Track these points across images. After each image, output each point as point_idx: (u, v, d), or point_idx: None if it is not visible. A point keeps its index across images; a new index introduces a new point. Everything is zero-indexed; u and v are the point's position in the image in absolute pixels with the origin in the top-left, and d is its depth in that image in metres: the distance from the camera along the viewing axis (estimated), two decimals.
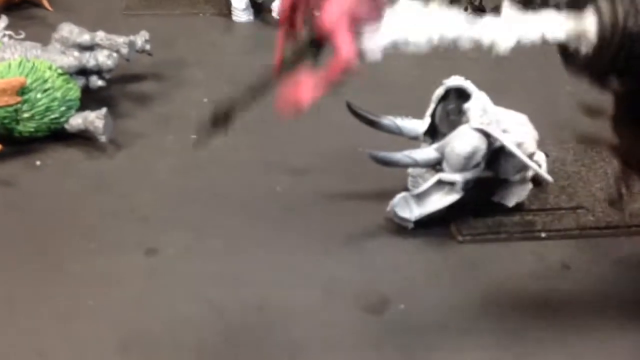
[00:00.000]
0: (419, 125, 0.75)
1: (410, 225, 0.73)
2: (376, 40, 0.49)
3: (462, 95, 0.75)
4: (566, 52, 0.53)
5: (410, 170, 0.78)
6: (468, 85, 0.73)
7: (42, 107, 0.82)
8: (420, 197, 0.72)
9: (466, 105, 0.70)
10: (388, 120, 0.74)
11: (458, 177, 0.69)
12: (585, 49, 0.51)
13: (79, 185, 0.80)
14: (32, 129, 0.83)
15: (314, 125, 0.94)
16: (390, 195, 0.80)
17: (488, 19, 0.51)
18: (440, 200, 0.71)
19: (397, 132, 0.75)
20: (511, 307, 0.66)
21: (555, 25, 0.51)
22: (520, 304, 0.66)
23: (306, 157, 0.88)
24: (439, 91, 0.74)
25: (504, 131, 0.70)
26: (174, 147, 0.88)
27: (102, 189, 0.80)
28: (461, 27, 0.50)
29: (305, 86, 0.48)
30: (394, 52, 0.50)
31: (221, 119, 0.54)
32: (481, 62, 1.08)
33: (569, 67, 0.53)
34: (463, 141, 0.68)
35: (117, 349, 0.60)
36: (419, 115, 0.95)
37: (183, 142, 0.90)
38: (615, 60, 0.50)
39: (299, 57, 0.49)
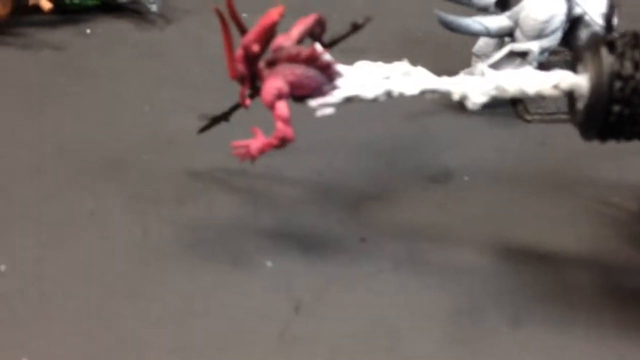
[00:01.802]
0: None
1: None
2: (328, 99, 0.49)
3: None
4: (571, 102, 0.49)
5: (475, 49, 0.74)
6: None
7: None
8: None
9: None
10: None
11: (533, 46, 0.65)
12: (580, 105, 0.47)
13: (130, 53, 0.78)
14: None
15: (372, 9, 0.90)
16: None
17: (461, 76, 0.49)
18: None
19: (465, 2, 0.70)
20: (582, 184, 0.62)
21: (539, 81, 0.47)
22: (590, 181, 0.63)
23: (364, 40, 0.84)
24: None
25: None
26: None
27: (153, 57, 0.77)
28: (428, 81, 0.49)
29: (253, 144, 0.51)
30: None
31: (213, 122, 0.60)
32: None
33: (571, 119, 0.49)
34: (541, 5, 0.63)
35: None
36: None
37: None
38: (606, 121, 0.46)
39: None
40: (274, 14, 0.47)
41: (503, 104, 0.72)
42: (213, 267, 0.52)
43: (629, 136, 0.46)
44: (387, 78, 0.49)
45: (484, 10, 0.71)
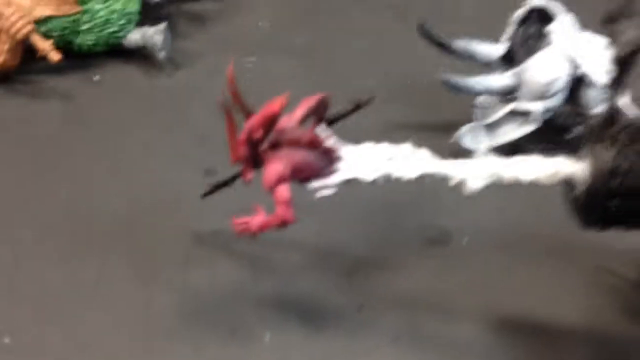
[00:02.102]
0: (494, 50, 0.70)
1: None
2: (328, 181, 0.50)
3: (545, 18, 0.69)
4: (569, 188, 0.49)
5: (477, 101, 0.74)
6: (553, 5, 0.67)
7: (102, 19, 0.80)
8: (490, 128, 0.68)
9: (549, 27, 0.65)
10: (461, 43, 0.70)
11: (536, 106, 0.65)
12: (578, 193, 0.48)
13: (137, 102, 0.79)
14: (90, 42, 0.81)
15: (378, 55, 0.91)
16: (455, 127, 0.77)
17: (457, 161, 0.50)
18: (512, 132, 0.67)
19: (470, 57, 0.70)
20: (581, 249, 0.62)
21: (536, 169, 0.48)
22: (589, 246, 0.63)
23: (368, 86, 0.84)
24: (521, 12, 0.69)
25: (590, 58, 0.65)
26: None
27: (161, 107, 0.78)
28: (427, 165, 0.50)
29: (253, 221, 0.52)
30: None
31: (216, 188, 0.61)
32: None
33: (570, 207, 0.50)
34: (544, 67, 0.64)
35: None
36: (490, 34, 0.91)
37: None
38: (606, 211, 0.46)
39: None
40: (276, 105, 0.48)
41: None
42: (214, 339, 0.53)
43: (628, 227, 0.47)
44: (390, 159, 0.49)
45: (487, 65, 0.72)
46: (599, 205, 0.46)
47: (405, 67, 0.87)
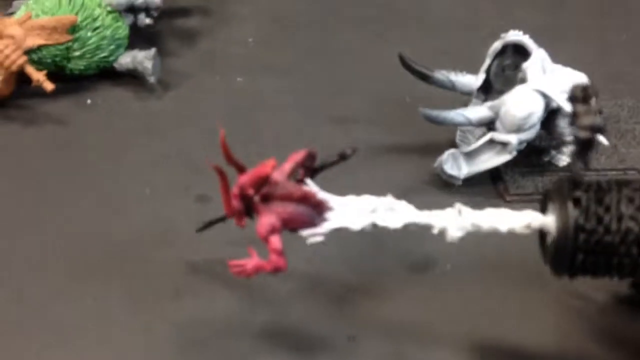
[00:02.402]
0: (473, 81, 0.73)
1: (458, 183, 0.73)
2: (318, 230, 0.53)
3: (519, 50, 0.73)
4: (543, 240, 0.53)
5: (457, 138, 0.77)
6: (527, 41, 0.71)
7: (93, 46, 0.82)
8: (470, 155, 0.72)
9: (525, 65, 0.68)
10: (441, 74, 0.73)
11: (512, 138, 0.69)
12: (549, 244, 0.52)
13: (129, 126, 0.81)
14: (82, 67, 0.83)
15: (359, 71, 0.93)
16: (437, 148, 0.79)
17: (439, 212, 0.53)
18: (491, 160, 0.71)
19: (450, 88, 0.73)
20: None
21: (511, 220, 0.52)
22: None
23: (352, 106, 0.87)
24: (496, 45, 0.72)
25: (562, 92, 0.69)
26: (219, 89, 0.88)
27: (152, 131, 0.81)
28: (410, 216, 0.53)
29: (249, 265, 0.55)
30: None
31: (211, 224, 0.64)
32: (535, 4, 1.06)
33: (542, 255, 0.54)
34: (520, 102, 0.67)
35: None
36: (467, 62, 0.94)
37: (228, 84, 0.91)
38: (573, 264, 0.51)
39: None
40: (267, 167, 0.51)
41: (484, 182, 0.77)
42: None
43: (594, 276, 0.50)
44: (373, 211, 0.53)
45: (468, 95, 0.75)
46: (565, 259, 0.49)
47: (387, 86, 0.90)
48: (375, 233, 0.67)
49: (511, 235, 0.68)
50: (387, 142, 0.81)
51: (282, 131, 0.82)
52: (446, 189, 0.75)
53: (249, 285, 0.63)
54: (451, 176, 0.73)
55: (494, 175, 0.75)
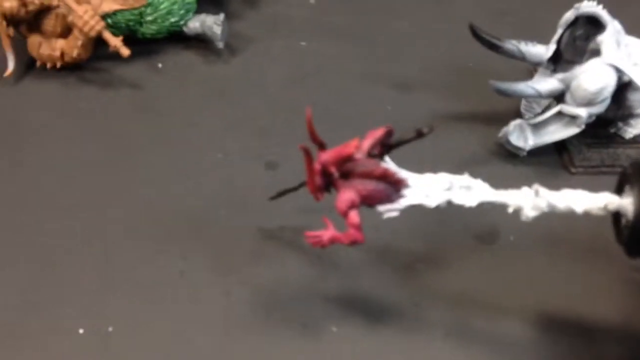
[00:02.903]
0: (544, 51, 0.73)
1: (523, 154, 0.74)
2: (394, 206, 0.55)
3: (591, 20, 0.72)
4: (617, 221, 0.53)
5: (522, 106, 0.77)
6: (601, 12, 0.70)
7: (164, 11, 0.84)
8: (537, 127, 0.72)
9: (599, 38, 0.68)
10: (511, 44, 0.73)
11: (582, 112, 0.69)
12: (624, 223, 0.52)
13: (199, 91, 0.83)
14: (153, 31, 0.86)
15: (421, 34, 0.93)
16: (501, 116, 0.80)
17: (514, 191, 0.54)
18: (558, 132, 0.71)
19: (520, 58, 0.73)
20: (616, 246, 0.67)
21: (587, 201, 0.52)
22: None
23: (415, 71, 0.88)
24: (569, 16, 0.71)
25: (635, 64, 0.68)
26: (283, 54, 0.89)
27: (221, 95, 0.83)
28: (486, 194, 0.54)
29: (325, 236, 0.57)
30: None
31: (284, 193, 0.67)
32: None
33: (616, 236, 0.54)
34: (593, 76, 0.67)
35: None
36: (527, 23, 0.93)
37: (291, 49, 0.92)
38: None
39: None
40: (351, 147, 0.53)
41: (549, 153, 0.77)
42: (287, 332, 0.60)
43: None
44: (449, 189, 0.54)
45: (537, 65, 0.75)
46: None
47: (449, 50, 0.90)
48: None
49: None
50: (449, 110, 0.82)
51: (345, 97, 0.83)
52: (510, 159, 0.76)
53: (319, 253, 0.66)
54: (517, 147, 0.73)
55: (559, 146, 0.76)
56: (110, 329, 0.60)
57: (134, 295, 0.62)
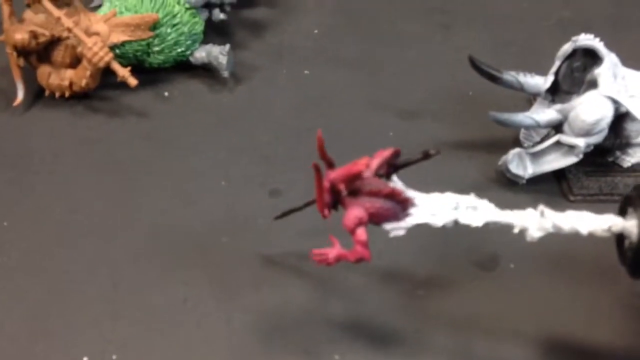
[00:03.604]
0: (542, 82, 0.74)
1: (522, 182, 0.75)
2: (400, 224, 0.56)
3: (588, 52, 0.74)
4: (620, 243, 0.55)
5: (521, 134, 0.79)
6: (598, 45, 0.71)
7: (171, 41, 0.86)
8: (536, 156, 0.74)
9: (597, 71, 0.69)
10: (510, 76, 0.74)
11: (580, 142, 0.70)
12: (627, 244, 0.53)
13: (205, 119, 0.85)
14: (160, 61, 0.88)
15: (423, 63, 0.95)
16: (501, 144, 0.81)
17: (520, 212, 0.55)
18: (557, 161, 0.73)
19: (519, 88, 0.75)
20: (621, 271, 0.68)
21: (592, 222, 0.53)
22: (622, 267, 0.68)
23: (417, 99, 0.89)
24: (566, 48, 0.73)
25: (632, 96, 0.70)
26: (288, 83, 0.91)
27: (226, 124, 0.85)
28: (492, 214, 0.55)
29: (331, 254, 0.58)
30: None
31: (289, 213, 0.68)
32: None
33: (619, 257, 0.56)
34: (591, 108, 0.68)
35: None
36: (532, 53, 0.95)
37: (295, 77, 0.94)
38: None
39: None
40: (360, 165, 0.54)
41: (548, 181, 0.78)
42: (288, 358, 0.60)
43: None
44: (455, 209, 0.55)
45: (536, 95, 0.76)
46: None
47: (450, 78, 0.92)
48: (440, 230, 0.71)
49: (572, 236, 0.71)
50: (450, 138, 0.83)
51: (349, 124, 0.85)
52: (510, 187, 0.77)
53: (322, 278, 0.67)
54: (516, 175, 0.74)
55: (558, 174, 0.77)
56: (114, 356, 0.61)
57: (137, 322, 0.63)
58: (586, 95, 0.69)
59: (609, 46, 0.76)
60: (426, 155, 0.57)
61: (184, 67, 0.91)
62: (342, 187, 0.54)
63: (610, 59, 0.70)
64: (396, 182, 0.56)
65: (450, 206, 0.55)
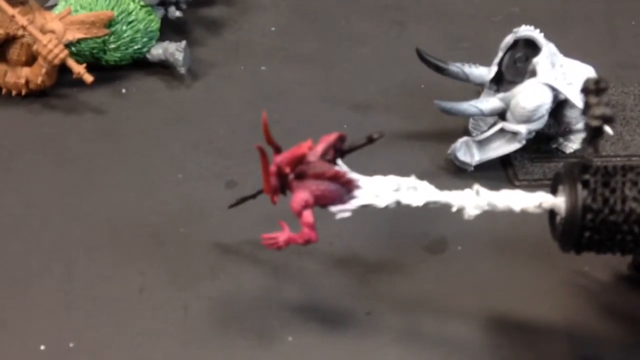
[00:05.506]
0: (486, 73, 0.77)
1: (470, 169, 0.78)
2: (346, 206, 0.58)
3: (530, 43, 0.77)
4: (553, 219, 0.57)
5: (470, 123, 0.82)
6: (537, 36, 0.74)
7: (127, 39, 0.87)
8: (482, 143, 0.77)
9: (535, 59, 0.73)
10: (456, 67, 0.77)
11: (521, 128, 0.73)
12: (558, 220, 0.56)
13: (162, 115, 0.86)
14: (117, 58, 0.89)
15: (377, 59, 0.97)
16: (451, 134, 0.84)
17: (458, 192, 0.58)
18: (501, 148, 0.76)
19: (465, 79, 0.78)
20: (560, 253, 0.71)
21: (524, 200, 0.56)
22: None
23: (371, 93, 0.92)
24: (508, 40, 0.76)
25: (570, 84, 0.73)
26: (244, 78, 0.93)
27: (183, 119, 0.86)
28: (431, 194, 0.58)
29: (280, 238, 0.61)
30: None
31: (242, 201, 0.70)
32: None
33: (552, 232, 0.59)
34: (529, 95, 0.71)
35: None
36: (483, 47, 0.98)
37: (252, 74, 0.96)
38: (580, 241, 0.55)
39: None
40: (304, 147, 0.56)
41: (495, 168, 0.81)
42: (243, 342, 0.62)
43: (599, 252, 0.55)
44: (397, 190, 0.57)
45: (480, 86, 0.79)
46: (573, 236, 0.54)
47: (403, 73, 0.94)
48: (391, 216, 0.73)
49: (519, 217, 0.74)
50: (404, 129, 0.86)
51: (304, 118, 0.87)
52: (459, 174, 0.80)
53: (276, 264, 0.69)
54: (464, 163, 0.77)
55: (504, 161, 0.80)
56: (71, 344, 0.62)
57: (94, 312, 0.64)
58: (525, 83, 0.72)
59: (555, 40, 0.79)
60: (370, 140, 0.59)
61: (141, 64, 0.92)
62: (287, 169, 0.56)
63: (548, 49, 0.73)
64: (341, 166, 0.58)
65: (392, 188, 0.57)
